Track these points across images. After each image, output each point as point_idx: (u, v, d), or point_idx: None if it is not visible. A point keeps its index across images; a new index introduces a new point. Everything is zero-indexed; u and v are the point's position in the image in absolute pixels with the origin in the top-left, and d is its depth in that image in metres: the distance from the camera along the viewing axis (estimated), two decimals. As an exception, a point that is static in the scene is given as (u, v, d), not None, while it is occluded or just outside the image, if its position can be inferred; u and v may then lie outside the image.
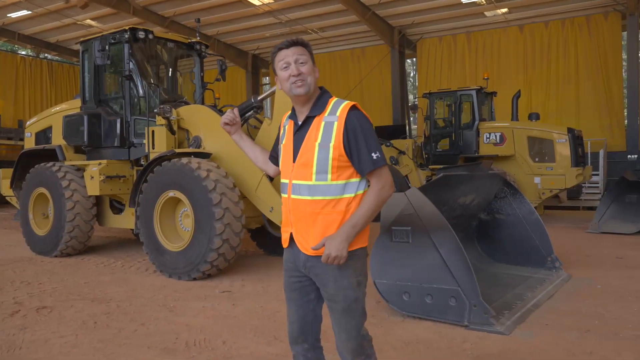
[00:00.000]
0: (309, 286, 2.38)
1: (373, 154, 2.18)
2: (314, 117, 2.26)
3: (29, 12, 17.91)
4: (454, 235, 4.31)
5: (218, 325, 4.48)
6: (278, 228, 6.66)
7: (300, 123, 2.30)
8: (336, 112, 2.22)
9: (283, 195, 2.35)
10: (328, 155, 2.18)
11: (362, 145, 2.18)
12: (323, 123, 2.22)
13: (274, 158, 2.58)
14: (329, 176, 2.19)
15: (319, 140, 2.20)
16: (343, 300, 2.25)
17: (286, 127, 2.38)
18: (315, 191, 2.21)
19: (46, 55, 23.45)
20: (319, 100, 2.28)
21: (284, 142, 2.37)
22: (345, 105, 2.23)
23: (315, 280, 2.33)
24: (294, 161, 2.27)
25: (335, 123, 2.19)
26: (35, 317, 4.79)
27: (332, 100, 2.28)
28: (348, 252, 2.19)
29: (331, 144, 2.18)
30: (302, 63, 2.23)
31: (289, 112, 2.42)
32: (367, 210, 2.19)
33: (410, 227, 4.49)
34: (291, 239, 2.33)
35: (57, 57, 23.61)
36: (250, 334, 4.26)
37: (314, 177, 2.20)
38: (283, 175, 2.34)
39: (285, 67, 2.24)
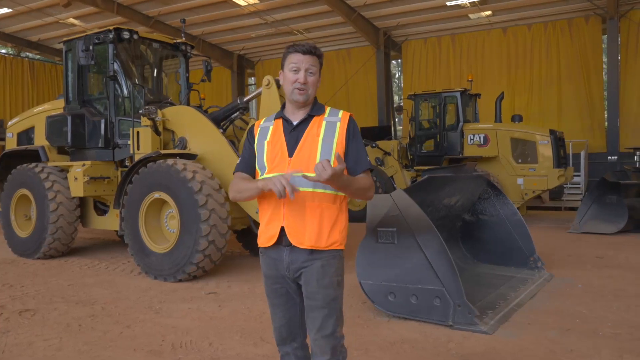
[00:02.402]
0: (294, 291, 2.41)
1: (366, 157, 2.38)
2: (313, 116, 2.37)
3: (10, 10, 17.63)
4: (438, 237, 4.37)
5: (204, 327, 4.48)
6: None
7: (295, 123, 2.36)
8: (337, 115, 2.38)
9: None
10: (331, 150, 2.29)
11: (360, 147, 2.36)
12: (325, 122, 2.35)
13: (252, 168, 2.48)
14: None
15: (321, 136, 2.31)
16: (322, 298, 2.30)
17: (270, 128, 2.41)
18: (318, 184, 2.24)
19: (27, 54, 23.12)
20: (316, 104, 2.42)
21: (268, 140, 2.38)
22: (345, 111, 2.40)
23: (297, 279, 2.36)
24: (290, 156, 2.31)
25: (338, 123, 2.35)
26: (18, 320, 4.73)
27: (328, 107, 2.44)
28: (334, 251, 2.32)
29: (334, 140, 2.30)
30: (311, 73, 2.35)
31: (263, 119, 2.51)
32: (358, 184, 2.28)
33: (395, 228, 4.53)
34: (280, 235, 2.31)
35: (38, 56, 23.30)
36: (237, 335, 4.26)
37: None
38: (274, 170, 2.32)
39: (295, 71, 2.33)
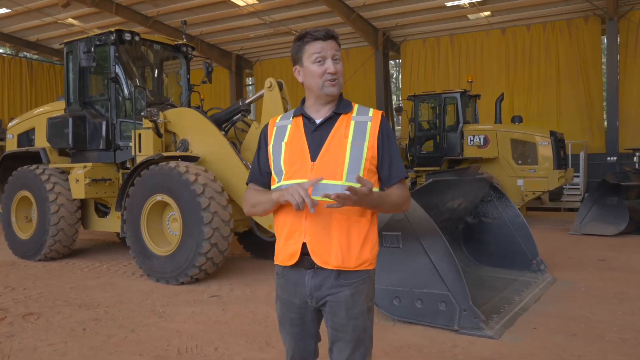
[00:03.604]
0: (312, 321, 2.13)
1: (401, 163, 2.10)
2: (340, 114, 2.07)
3: (9, 10, 17.58)
4: (443, 240, 4.36)
5: (209, 331, 4.46)
6: (266, 231, 6.65)
7: (318, 122, 2.07)
8: (367, 113, 2.09)
9: None
10: (362, 154, 1.99)
11: (395, 152, 2.07)
12: (353, 122, 2.05)
13: (268, 174, 2.18)
14: None
15: (350, 138, 2.01)
16: (352, 330, 2.04)
17: (288, 126, 2.11)
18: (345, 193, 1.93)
19: (25, 54, 23.06)
20: (342, 100, 2.12)
21: (286, 140, 2.08)
22: (376, 110, 2.13)
23: (322, 309, 2.09)
24: (313, 160, 2.00)
25: (369, 123, 2.05)
26: (22, 324, 4.71)
27: (356, 104, 2.15)
28: (364, 273, 2.05)
29: (365, 144, 2.01)
30: (336, 60, 2.04)
31: (278, 117, 2.21)
32: (391, 200, 2.02)
33: (400, 232, 4.52)
34: (302, 253, 2.01)
35: (36, 56, 23.23)
36: (242, 339, 4.25)
37: (344, 177, 1.96)
38: (294, 176, 2.02)
39: (320, 62, 2.03)
